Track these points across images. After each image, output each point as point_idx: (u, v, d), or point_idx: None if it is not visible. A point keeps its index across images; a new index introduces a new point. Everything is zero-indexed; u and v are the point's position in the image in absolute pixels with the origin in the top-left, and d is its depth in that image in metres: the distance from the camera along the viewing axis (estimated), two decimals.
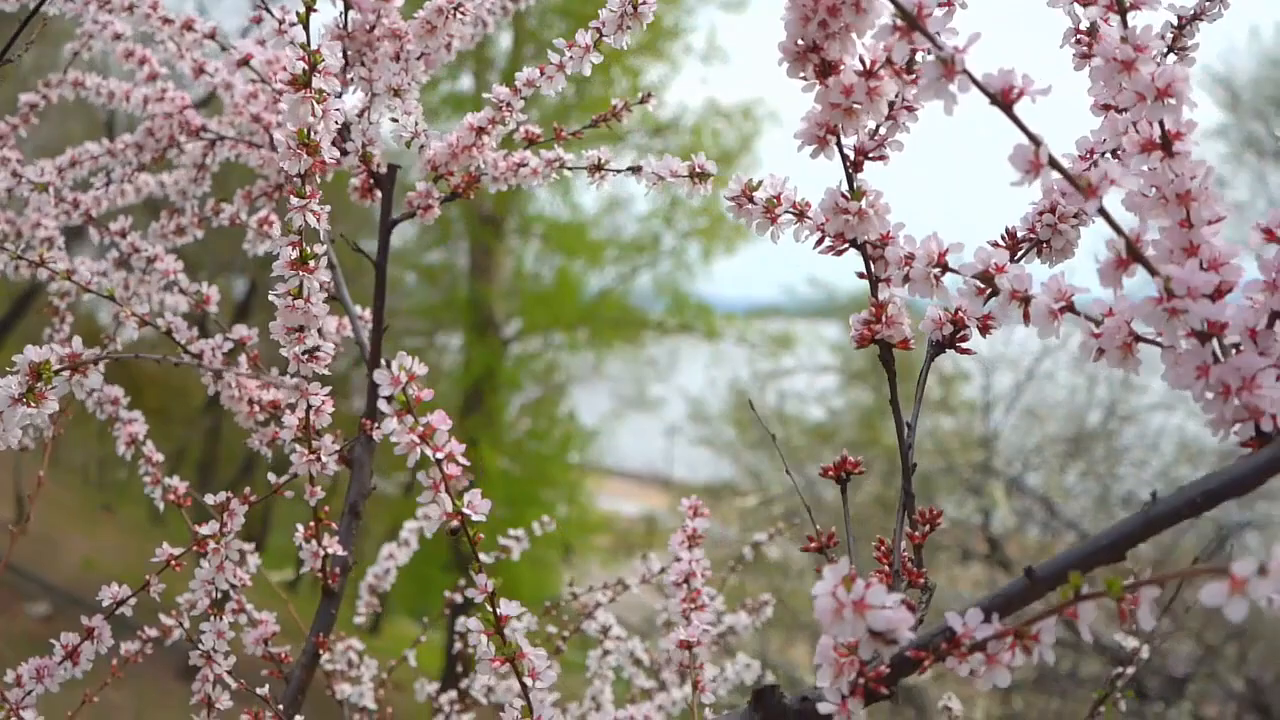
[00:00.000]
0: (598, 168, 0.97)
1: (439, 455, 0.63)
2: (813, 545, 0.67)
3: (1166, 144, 0.55)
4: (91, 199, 1.18)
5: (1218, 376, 0.52)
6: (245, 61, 1.06)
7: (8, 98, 1.45)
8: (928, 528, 0.66)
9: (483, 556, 1.26)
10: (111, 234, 1.15)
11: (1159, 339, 0.55)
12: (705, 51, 11.73)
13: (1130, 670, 1.11)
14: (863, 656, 0.53)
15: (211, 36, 1.11)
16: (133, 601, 0.94)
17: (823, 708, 0.56)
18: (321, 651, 1.00)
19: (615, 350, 12.39)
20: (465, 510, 0.64)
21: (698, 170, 0.85)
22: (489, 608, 0.65)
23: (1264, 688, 5.82)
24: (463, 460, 0.64)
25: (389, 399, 0.62)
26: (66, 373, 0.66)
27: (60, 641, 0.92)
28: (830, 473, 0.69)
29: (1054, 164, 0.51)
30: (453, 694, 1.38)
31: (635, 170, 0.91)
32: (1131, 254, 0.52)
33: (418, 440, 0.63)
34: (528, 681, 0.65)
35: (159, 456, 1.12)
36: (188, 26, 1.11)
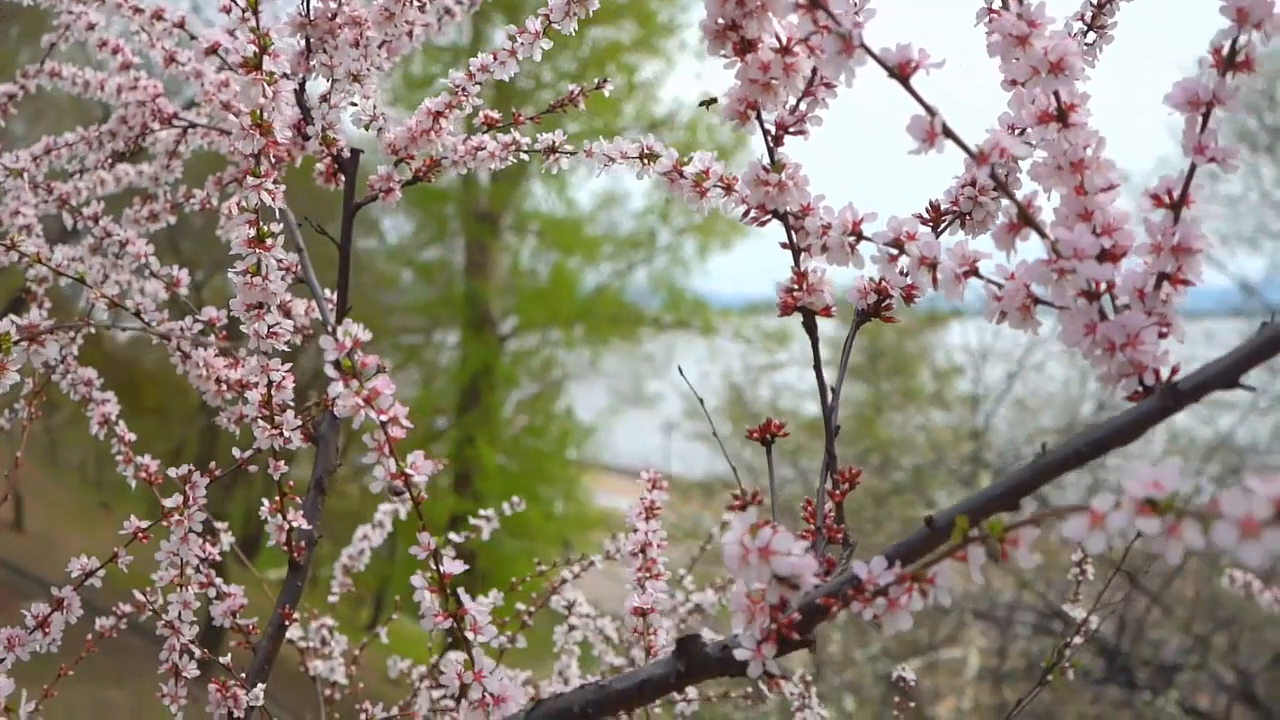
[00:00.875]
0: (552, 150, 1.00)
1: (383, 418, 0.66)
2: (737, 504, 0.69)
3: (1062, 115, 0.58)
4: (71, 188, 1.21)
5: (1104, 334, 0.55)
6: (213, 50, 1.09)
7: None
8: (847, 486, 0.69)
9: (452, 537, 1.29)
10: (85, 218, 1.18)
11: (1057, 304, 0.58)
12: (700, 48, 11.74)
13: (1079, 640, 1.14)
14: (770, 601, 0.56)
15: (181, 25, 1.14)
16: (102, 573, 0.97)
17: (739, 654, 0.59)
18: (287, 623, 1.03)
19: (611, 346, 12.43)
20: (408, 471, 0.67)
21: (646, 152, 0.88)
22: (433, 565, 0.68)
23: (1253, 677, 5.85)
24: (406, 423, 0.67)
25: (335, 364, 0.65)
26: (25, 343, 0.69)
27: (31, 612, 0.95)
28: (755, 435, 0.72)
29: (948, 133, 0.54)
30: (422, 669, 1.41)
31: (588, 154, 0.94)
32: (1023, 218, 0.55)
33: (362, 403, 0.66)
34: (469, 635, 0.68)
35: (131, 436, 1.15)
36: (157, 16, 1.14)
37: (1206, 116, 0.56)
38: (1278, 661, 6.12)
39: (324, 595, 1.52)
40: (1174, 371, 0.54)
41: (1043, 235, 0.55)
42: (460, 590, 0.69)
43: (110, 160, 1.25)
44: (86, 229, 1.24)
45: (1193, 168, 0.56)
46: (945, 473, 6.27)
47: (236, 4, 1.02)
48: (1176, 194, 0.56)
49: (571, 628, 1.35)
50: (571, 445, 12.11)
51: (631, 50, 11.42)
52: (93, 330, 0.88)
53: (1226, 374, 0.51)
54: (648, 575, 0.99)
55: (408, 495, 0.67)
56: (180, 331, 1.06)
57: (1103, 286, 0.55)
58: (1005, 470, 6.29)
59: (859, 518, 7.36)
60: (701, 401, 1.00)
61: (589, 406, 12.59)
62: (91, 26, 1.25)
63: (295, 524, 1.02)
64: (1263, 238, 8.99)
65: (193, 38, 1.14)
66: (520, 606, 1.36)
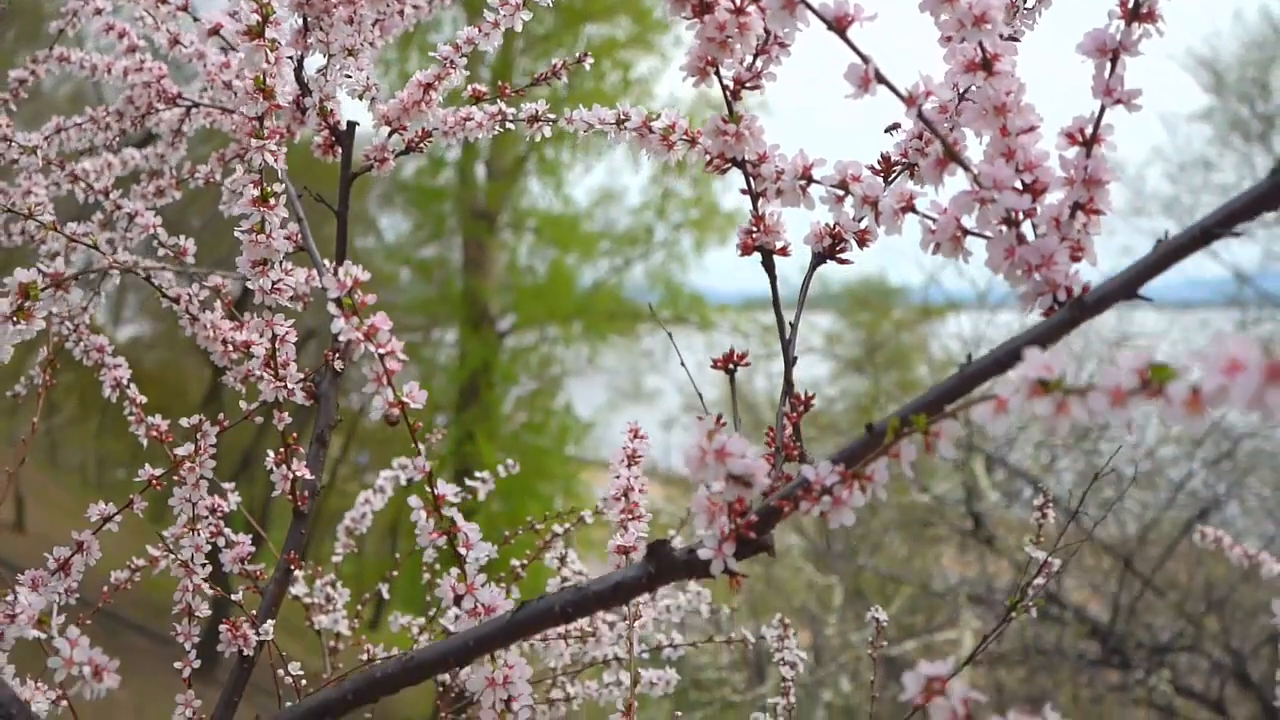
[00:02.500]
0: (536, 119, 1.06)
1: (382, 351, 0.73)
2: (720, 364, 0.76)
3: (987, 64, 0.64)
4: (81, 169, 1.28)
5: (1022, 256, 0.61)
6: (215, 31, 1.15)
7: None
8: (803, 408, 0.75)
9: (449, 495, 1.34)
10: (96, 192, 1.24)
11: (983, 234, 0.64)
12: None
13: (1041, 581, 1.20)
14: (726, 499, 0.62)
15: (184, 9, 1.20)
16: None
17: (702, 553, 0.66)
18: (293, 567, 1.10)
19: (609, 343, 12.48)
20: (405, 399, 0.73)
21: (621, 118, 0.94)
22: (427, 487, 0.75)
23: (1245, 658, 5.92)
24: (402, 357, 0.73)
25: (337, 301, 0.71)
26: (51, 290, 0.76)
27: (53, 555, 1.02)
28: (719, 364, 0.79)
29: (880, 78, 0.61)
30: (421, 620, 1.48)
31: (568, 121, 1.00)
32: (949, 154, 0.62)
33: (363, 338, 0.72)
34: (462, 551, 0.75)
35: (143, 398, 1.21)
36: (161, 0, 1.20)
37: (1114, 62, 0.62)
38: (1269, 642, 6.19)
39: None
40: (1085, 290, 0.61)
41: (966, 169, 0.62)
42: (454, 511, 0.75)
43: (117, 140, 1.31)
44: (97, 204, 1.30)
45: (1102, 108, 0.62)
46: (938, 458, 6.33)
47: None
48: (1089, 132, 0.63)
49: (564, 579, 1.41)
50: (570, 441, 12.16)
51: (626, 47, 11.49)
52: (116, 278, 0.95)
53: (1125, 287, 0.58)
54: (630, 517, 1.05)
55: (403, 420, 0.74)
56: (189, 297, 1.12)
57: (1021, 215, 0.61)
58: (996, 455, 6.37)
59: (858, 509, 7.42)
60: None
61: (588, 403, 12.65)
62: (99, 11, 1.32)
63: (299, 474, 1.08)
64: (1256, 226, 9.05)
65: (196, 19, 1.20)
66: (515, 562, 1.43)
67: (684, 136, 0.76)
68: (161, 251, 1.20)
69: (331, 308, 0.72)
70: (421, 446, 0.72)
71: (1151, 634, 6.15)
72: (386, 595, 1.49)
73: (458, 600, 0.75)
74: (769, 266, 0.75)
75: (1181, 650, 6.22)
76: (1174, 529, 6.60)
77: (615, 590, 0.69)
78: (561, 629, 1.35)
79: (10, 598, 0.75)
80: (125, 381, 1.21)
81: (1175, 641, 6.15)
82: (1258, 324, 8.90)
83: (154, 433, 1.17)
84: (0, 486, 1.23)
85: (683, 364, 1.12)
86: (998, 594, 6.61)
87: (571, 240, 12.27)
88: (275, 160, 0.86)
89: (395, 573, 1.56)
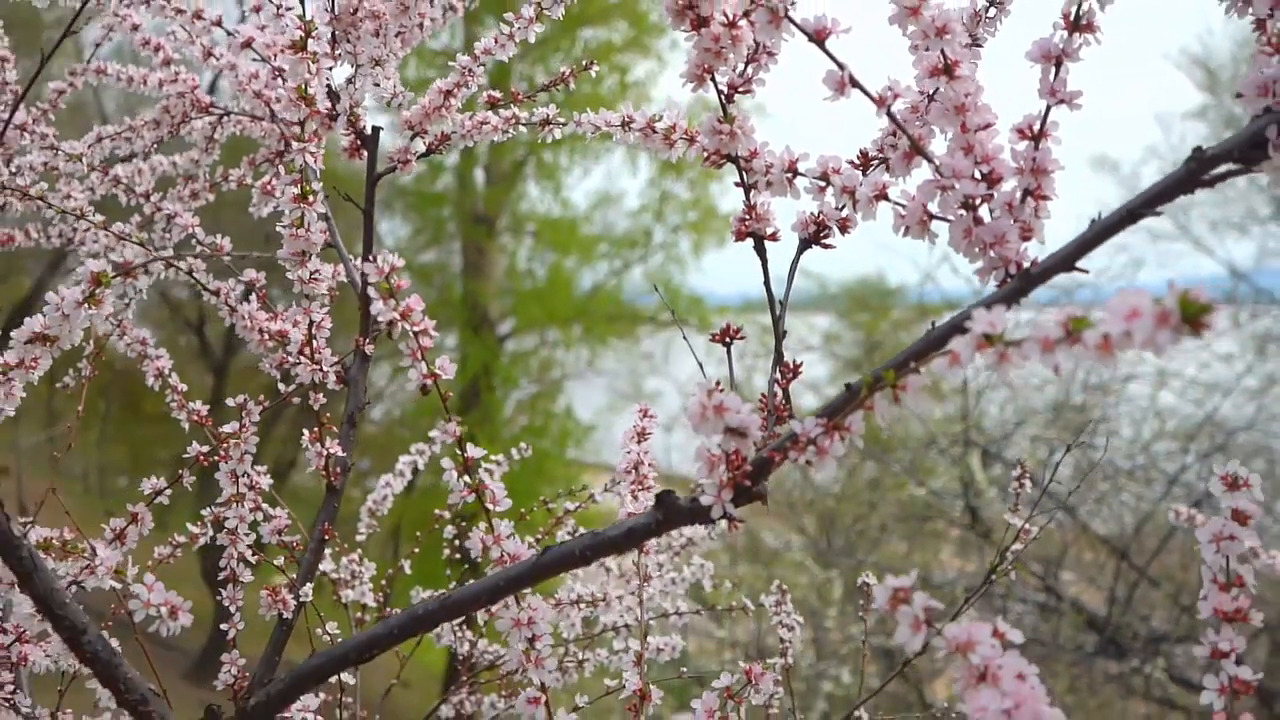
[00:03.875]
0: (547, 122, 1.16)
1: (416, 329, 0.82)
2: (717, 337, 0.86)
3: (948, 69, 0.74)
4: (123, 170, 1.37)
5: (978, 236, 0.71)
6: (248, 44, 1.25)
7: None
8: (791, 375, 0.84)
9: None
10: (137, 195, 1.34)
11: (946, 217, 0.74)
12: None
13: (1019, 548, 1.30)
14: (724, 449, 0.72)
15: (218, 24, 1.30)
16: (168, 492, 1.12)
17: (704, 500, 0.75)
18: (327, 538, 1.19)
19: (609, 345, 12.56)
20: (436, 371, 0.83)
21: (626, 120, 1.03)
22: (458, 451, 0.84)
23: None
24: (433, 334, 0.83)
25: (375, 285, 0.81)
26: (120, 277, 0.85)
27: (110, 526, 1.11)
28: (716, 339, 0.88)
29: (854, 83, 0.70)
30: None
31: (577, 124, 1.09)
32: (914, 149, 0.71)
33: (399, 317, 0.82)
34: (490, 507, 0.84)
35: (183, 386, 1.30)
36: (197, 15, 1.29)
37: (1058, 66, 0.72)
38: (1264, 631, 6.28)
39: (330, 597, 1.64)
40: (1033, 264, 0.70)
41: (930, 161, 0.71)
42: (481, 470, 0.85)
43: (154, 147, 1.41)
44: (136, 206, 1.40)
45: (1048, 107, 0.72)
46: (936, 453, 6.43)
47: (270, 1, 1.18)
48: (1037, 128, 0.72)
49: None
50: (572, 444, 12.23)
51: (623, 50, 11.59)
52: (177, 266, 1.04)
53: (1065, 261, 0.67)
54: (640, 488, 1.15)
55: (435, 390, 0.83)
56: (228, 292, 1.21)
57: (977, 200, 0.71)
58: (991, 451, 6.46)
59: (856, 502, 7.53)
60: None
61: (588, 405, 12.71)
62: (136, 27, 1.41)
63: (332, 452, 1.18)
64: (1251, 223, 9.14)
65: (229, 34, 1.30)
66: (528, 539, 1.52)
67: (684, 135, 0.86)
68: (199, 249, 1.30)
69: (371, 291, 0.81)
70: (456, 426, 0.81)
71: (1147, 625, 6.24)
72: (409, 570, 1.58)
73: (486, 550, 0.84)
74: (761, 251, 0.84)
75: (1177, 640, 6.31)
76: (1168, 522, 6.69)
77: (628, 535, 0.78)
78: (575, 596, 1.44)
79: (89, 552, 0.84)
80: (167, 371, 1.31)
81: (1170, 632, 6.24)
82: (1255, 320, 8.98)
83: (195, 417, 1.26)
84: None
85: (695, 357, 1.21)
86: (997, 587, 6.70)
87: (570, 244, 12.35)
88: (315, 161, 0.95)
89: (417, 550, 1.65)
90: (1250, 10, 0.66)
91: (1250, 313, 9.05)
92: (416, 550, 1.64)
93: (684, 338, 0.99)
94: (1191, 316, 0.47)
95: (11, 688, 1.14)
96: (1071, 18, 0.72)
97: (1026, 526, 1.30)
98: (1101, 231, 0.66)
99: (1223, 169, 0.65)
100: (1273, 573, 1.80)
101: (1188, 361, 8.51)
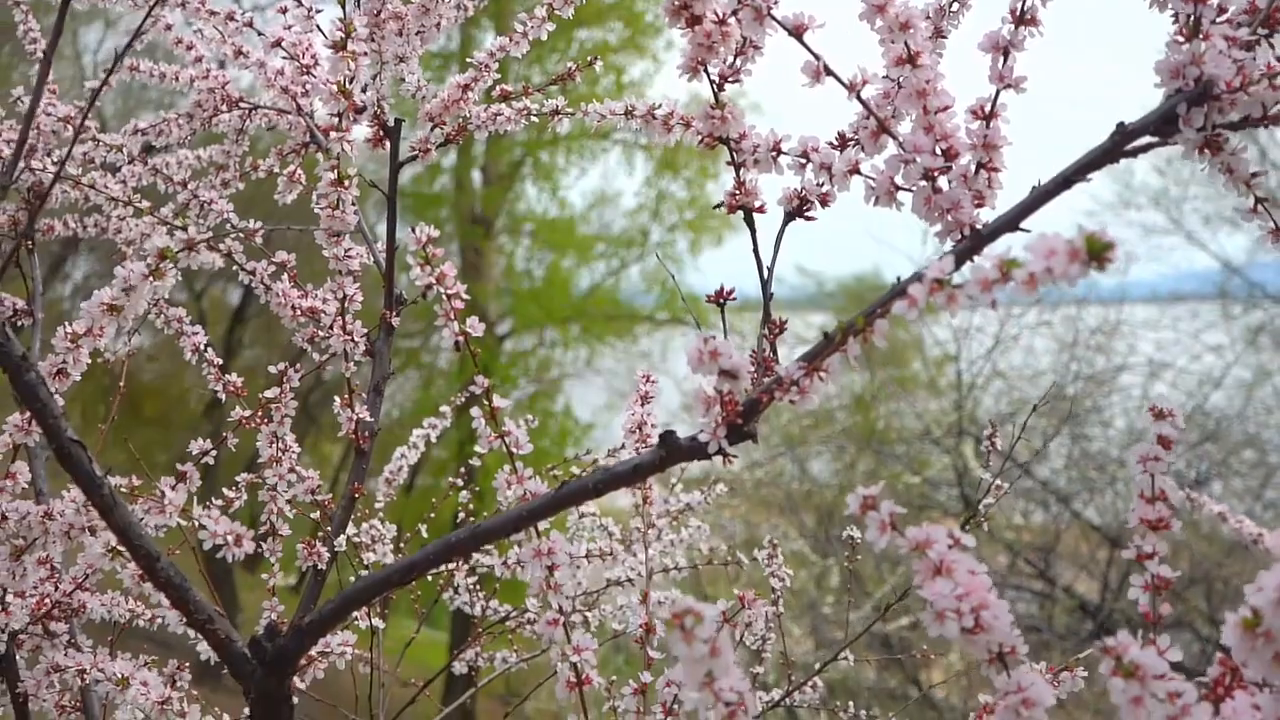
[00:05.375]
0: (556, 113, 1.27)
1: (449, 293, 0.93)
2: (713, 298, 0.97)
3: (911, 59, 0.85)
4: (161, 162, 1.48)
5: (937, 203, 0.82)
6: (278, 43, 1.36)
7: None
8: (778, 330, 0.95)
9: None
10: (175, 184, 1.45)
11: (910, 188, 0.85)
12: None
13: (990, 502, 1.41)
14: (719, 389, 0.82)
15: (249, 25, 1.41)
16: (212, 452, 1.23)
17: (701, 436, 0.86)
18: (356, 495, 1.30)
19: (607, 344, 12.66)
20: (467, 329, 0.94)
21: (629, 109, 1.14)
22: (485, 401, 0.95)
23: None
24: (464, 296, 0.94)
25: (413, 254, 0.92)
26: (185, 251, 0.96)
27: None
28: (712, 299, 0.99)
29: (828, 71, 0.81)
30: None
31: (584, 114, 1.21)
32: (880, 128, 0.82)
33: (434, 282, 0.93)
34: (514, 450, 0.95)
35: (219, 360, 1.41)
36: (230, 17, 1.40)
37: (1006, 56, 0.83)
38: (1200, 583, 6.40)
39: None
40: (983, 228, 0.81)
41: (894, 138, 0.82)
42: (506, 419, 0.96)
43: (188, 139, 1.51)
44: (171, 195, 1.50)
45: (997, 91, 0.83)
46: (930, 443, 6.56)
47: (300, 2, 1.29)
48: (988, 110, 0.83)
49: (582, 515, 1.61)
50: (570, 443, 12.33)
51: (619, 50, 11.71)
52: (239, 243, 1.15)
53: (1009, 224, 0.78)
54: (644, 446, 1.25)
55: (467, 349, 0.94)
56: (261, 270, 1.32)
57: (936, 172, 0.82)
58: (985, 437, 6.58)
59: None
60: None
61: (586, 405, 12.80)
62: (169, 27, 1.52)
63: (361, 417, 1.29)
64: (1244, 217, 9.24)
65: (260, 34, 1.40)
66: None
67: (680, 120, 0.96)
68: (233, 233, 1.41)
69: (410, 258, 0.92)
70: (485, 379, 0.92)
71: (1135, 608, 6.34)
72: (426, 535, 1.68)
73: (510, 488, 0.95)
74: (750, 221, 0.95)
75: (1168, 627, 6.43)
76: None
77: (635, 470, 0.89)
78: (583, 550, 1.55)
79: (158, 494, 0.95)
80: (203, 346, 1.41)
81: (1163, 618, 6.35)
82: (1247, 314, 9.10)
83: (231, 388, 1.37)
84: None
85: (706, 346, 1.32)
86: (993, 575, 6.80)
87: (568, 243, 12.46)
88: (351, 149, 1.06)
89: (433, 515, 1.76)
90: (1169, 5, 0.77)
91: (1243, 305, 9.18)
92: (433, 515, 1.75)
93: (696, 326, 1.10)
94: (1096, 253, 0.58)
95: (67, 636, 1.25)
96: (1017, 13, 0.83)
97: (998, 483, 1.41)
98: (1040, 196, 0.77)
99: (1143, 141, 0.76)
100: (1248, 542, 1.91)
101: (1180, 354, 8.63)
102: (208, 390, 1.40)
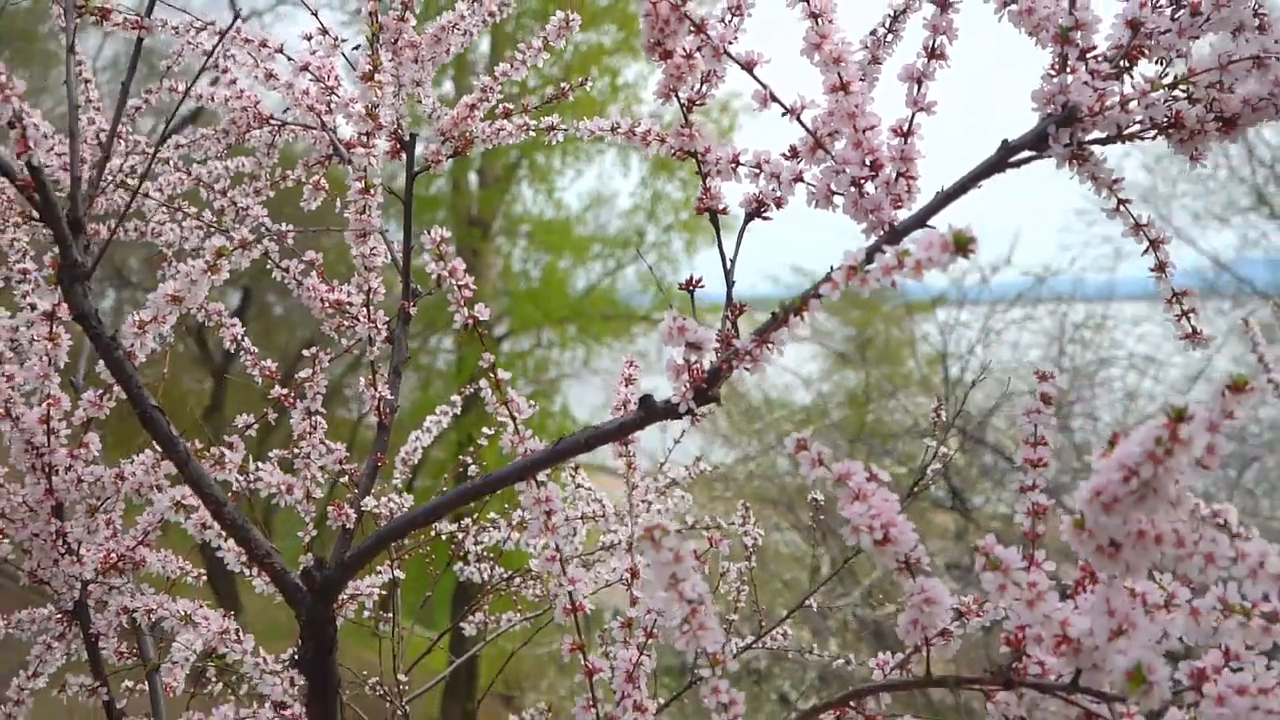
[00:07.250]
0: (553, 128, 1.45)
1: (460, 283, 1.11)
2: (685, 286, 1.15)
3: (844, 86, 1.03)
4: (200, 171, 1.67)
5: (863, 205, 1.00)
6: (305, 67, 1.54)
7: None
8: (739, 311, 1.14)
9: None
10: (215, 191, 1.63)
11: (842, 193, 1.03)
12: None
13: (938, 467, 1.59)
14: (687, 359, 1.01)
15: (280, 50, 1.59)
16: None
17: (672, 398, 1.04)
18: (379, 464, 1.48)
19: (604, 344, 12.82)
20: (475, 314, 1.12)
21: (614, 126, 1.32)
22: (491, 374, 1.13)
23: None
24: (471, 286, 1.12)
25: (428, 250, 1.10)
26: (239, 249, 1.14)
27: None
28: (684, 287, 1.17)
29: (773, 98, 1.00)
30: (467, 521, 1.87)
31: (576, 128, 1.39)
32: (816, 144, 1.01)
33: (447, 275, 1.11)
34: (515, 413, 1.13)
35: (255, 349, 1.59)
36: (263, 44, 1.59)
37: (920, 84, 1.01)
38: None
39: None
40: (898, 224, 0.99)
41: (828, 152, 1.00)
42: (510, 390, 1.14)
43: (225, 152, 1.70)
44: (208, 202, 1.69)
45: (912, 114, 1.01)
46: (917, 436, 6.74)
47: (326, 34, 1.47)
48: (905, 128, 1.02)
49: (579, 485, 1.80)
50: None
51: (613, 53, 11.89)
52: (274, 242, 1.34)
53: (917, 221, 0.96)
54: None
55: (475, 329, 1.12)
56: (293, 266, 1.50)
57: (863, 180, 1.00)
58: (969, 432, 6.76)
59: None
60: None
61: (584, 405, 12.95)
62: (208, 54, 1.70)
63: (383, 394, 1.47)
64: (1231, 214, 9.45)
65: (290, 59, 1.59)
66: None
67: (657, 137, 1.15)
68: (268, 234, 1.59)
69: (426, 255, 1.10)
70: (491, 356, 1.10)
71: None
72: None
73: (514, 447, 1.13)
74: (714, 222, 1.14)
75: None
76: None
77: (620, 428, 1.08)
78: (579, 512, 1.74)
79: (219, 453, 1.13)
80: (241, 337, 1.60)
81: None
82: (1236, 310, 9.28)
83: (267, 373, 1.55)
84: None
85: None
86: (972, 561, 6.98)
87: (564, 244, 12.62)
88: (377, 163, 1.25)
89: (445, 489, 1.93)
90: (1037, 40, 0.95)
91: (1231, 302, 9.36)
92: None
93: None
94: (962, 245, 0.77)
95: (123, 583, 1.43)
96: (929, 49, 1.01)
97: (944, 450, 1.59)
98: (940, 201, 0.96)
99: (1023, 155, 0.94)
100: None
101: (1170, 350, 8.82)
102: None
